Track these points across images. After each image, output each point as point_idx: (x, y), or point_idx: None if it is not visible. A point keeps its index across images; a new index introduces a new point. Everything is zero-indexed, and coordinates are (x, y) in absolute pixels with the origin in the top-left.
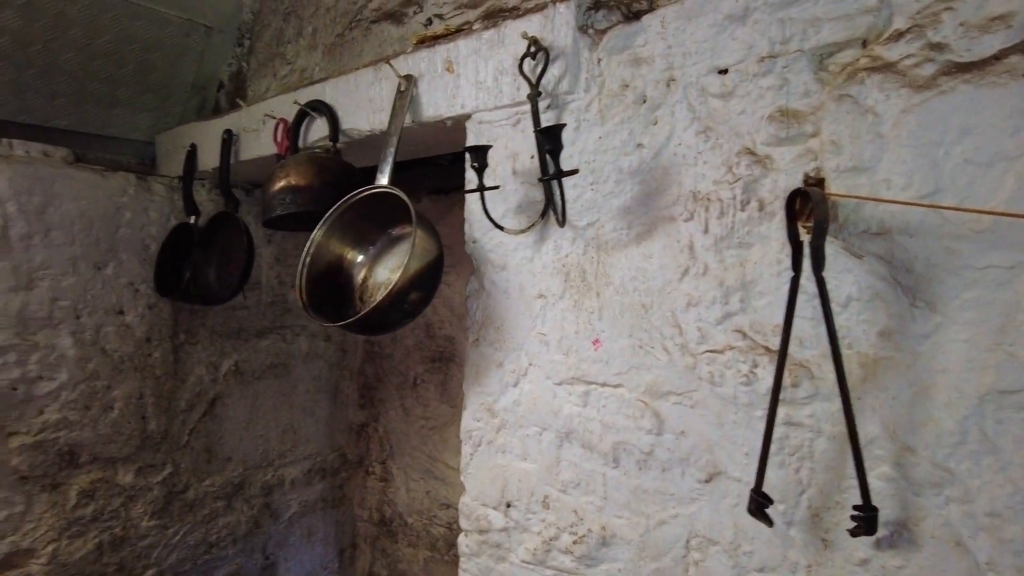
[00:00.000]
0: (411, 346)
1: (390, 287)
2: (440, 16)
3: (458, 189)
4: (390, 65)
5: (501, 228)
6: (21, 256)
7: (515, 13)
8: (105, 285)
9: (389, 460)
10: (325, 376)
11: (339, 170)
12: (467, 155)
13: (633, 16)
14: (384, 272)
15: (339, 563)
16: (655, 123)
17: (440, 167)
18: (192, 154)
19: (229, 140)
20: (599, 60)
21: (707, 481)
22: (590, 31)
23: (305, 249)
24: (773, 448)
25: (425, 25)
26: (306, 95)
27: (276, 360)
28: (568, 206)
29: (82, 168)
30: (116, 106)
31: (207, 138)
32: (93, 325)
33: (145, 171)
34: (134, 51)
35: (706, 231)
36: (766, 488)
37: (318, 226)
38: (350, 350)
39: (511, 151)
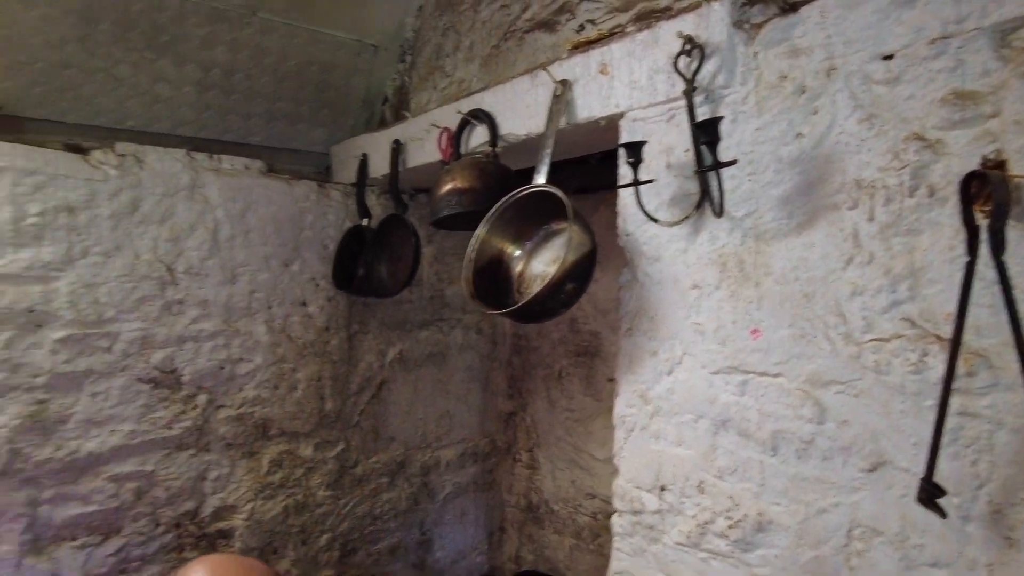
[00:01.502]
0: (556, 340)
1: (549, 278)
2: (592, 21)
3: (604, 188)
4: (546, 71)
5: (656, 220)
6: (227, 255)
7: (667, 14)
8: (291, 280)
9: (536, 449)
10: (477, 366)
11: (498, 173)
12: (622, 151)
13: (790, 8)
14: (540, 265)
15: (488, 545)
16: (815, 112)
17: (588, 166)
18: (364, 163)
19: (397, 149)
20: (755, 54)
21: (871, 471)
22: (745, 26)
23: (471, 245)
24: (946, 439)
25: (577, 31)
26: (467, 104)
27: (434, 350)
28: (725, 197)
29: (274, 178)
30: (299, 122)
31: (376, 148)
32: (282, 315)
33: (322, 179)
34: (314, 72)
35: (871, 219)
36: (938, 479)
37: (482, 223)
38: (499, 342)
39: (665, 145)
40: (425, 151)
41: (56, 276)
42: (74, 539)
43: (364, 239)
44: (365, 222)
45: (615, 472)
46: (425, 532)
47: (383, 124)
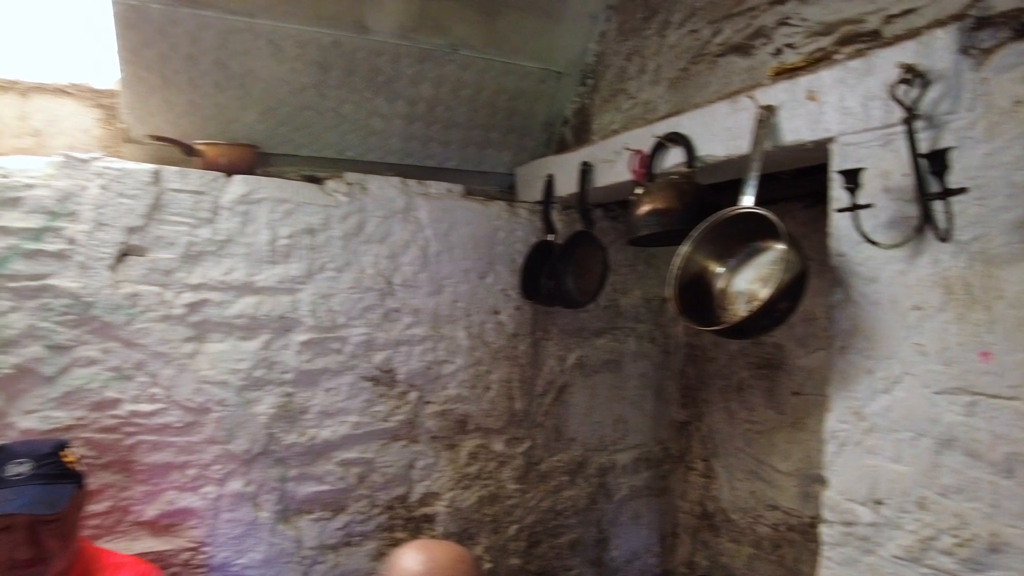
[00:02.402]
0: (735, 352)
1: (765, 297)
2: (791, 46)
3: (789, 200)
4: (750, 98)
5: (875, 244)
6: (435, 269)
7: (878, 38)
8: (486, 291)
9: (712, 458)
10: (651, 374)
11: (696, 193)
12: (838, 177)
13: None
14: (743, 283)
15: (660, 548)
16: None
17: (778, 181)
18: (549, 183)
19: (586, 170)
20: (984, 79)
21: None
22: (973, 51)
23: (675, 263)
24: None
25: (774, 55)
26: (662, 128)
27: (610, 357)
28: (953, 221)
29: (471, 199)
30: (488, 147)
31: (562, 168)
32: (478, 322)
33: (509, 199)
34: (504, 100)
35: None
36: None
37: (686, 241)
38: (672, 352)
39: (881, 170)
40: (615, 171)
41: (300, 288)
42: (311, 513)
43: (549, 253)
44: (551, 237)
45: (824, 484)
46: (602, 530)
47: (562, 144)
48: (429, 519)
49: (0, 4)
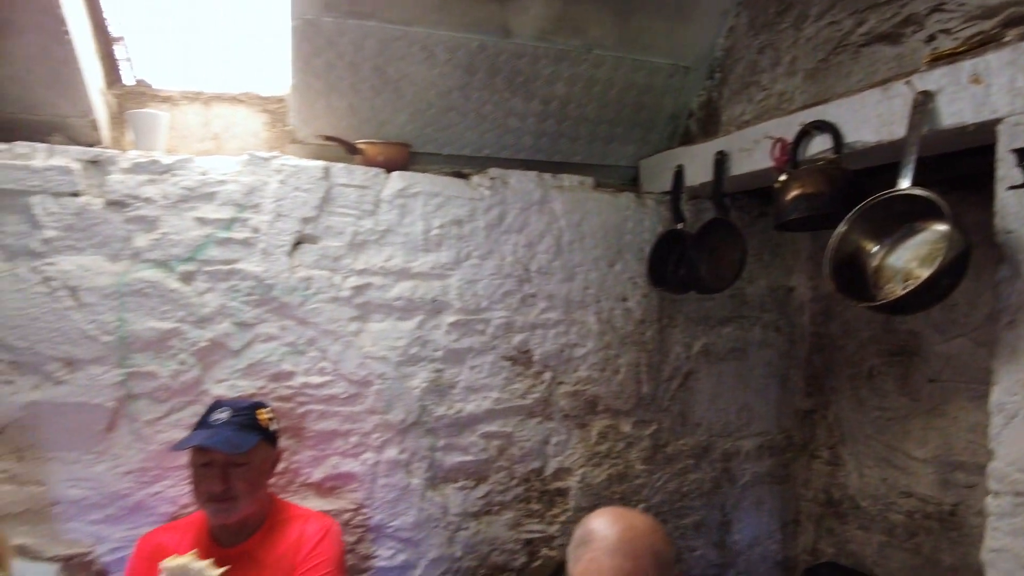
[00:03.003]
0: (866, 339)
1: (928, 274)
2: (946, 31)
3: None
4: (907, 84)
5: None
6: (568, 257)
7: None
8: (615, 278)
9: (839, 446)
10: (775, 363)
11: (844, 178)
12: (1009, 156)
13: None
14: (898, 261)
15: (782, 535)
16: None
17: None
18: (679, 173)
19: (721, 159)
20: None
21: None
22: None
23: (831, 243)
24: None
25: (926, 42)
26: (805, 116)
27: (735, 345)
28: None
29: (601, 191)
30: (613, 141)
31: (691, 159)
32: (607, 308)
33: (637, 191)
34: (631, 95)
35: None
36: None
37: (843, 222)
38: (798, 341)
39: None
40: (752, 160)
41: (449, 274)
42: (456, 481)
43: (677, 241)
44: (680, 226)
45: (990, 456)
46: (725, 514)
47: (687, 137)
48: (562, 493)
49: (186, 26)
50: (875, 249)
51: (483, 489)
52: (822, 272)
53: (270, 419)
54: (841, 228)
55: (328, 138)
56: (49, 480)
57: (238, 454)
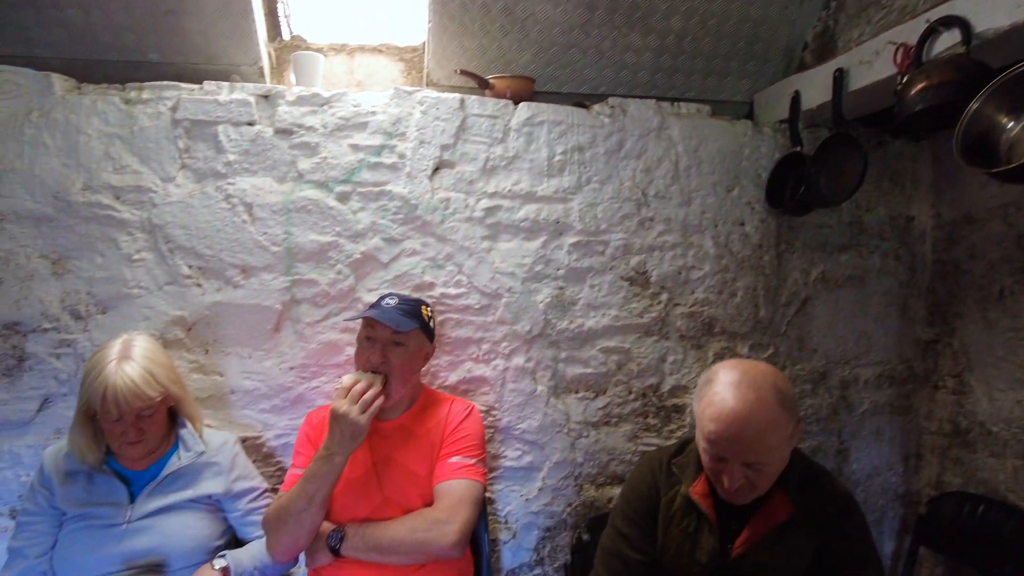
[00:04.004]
0: (996, 259)
1: None
2: None
3: None
4: None
5: None
6: (685, 182)
7: None
8: (732, 204)
9: (966, 373)
10: (895, 292)
11: (973, 66)
12: None
13: None
14: None
15: (904, 468)
16: None
17: None
18: (796, 98)
19: (840, 77)
20: None
21: None
22: None
23: (961, 121)
24: None
25: None
26: (931, 16)
27: (853, 273)
28: None
29: (718, 119)
30: (728, 75)
31: (808, 84)
32: (724, 232)
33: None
34: (747, 29)
35: None
36: None
37: (976, 97)
38: (919, 270)
39: None
40: (873, 71)
41: (571, 198)
42: (576, 392)
43: (796, 165)
44: (798, 149)
45: None
46: (842, 442)
47: (802, 68)
48: (679, 410)
49: None
50: (1011, 124)
51: (602, 401)
52: (952, 146)
53: (429, 316)
54: (974, 105)
55: (463, 72)
56: (227, 372)
57: (399, 332)
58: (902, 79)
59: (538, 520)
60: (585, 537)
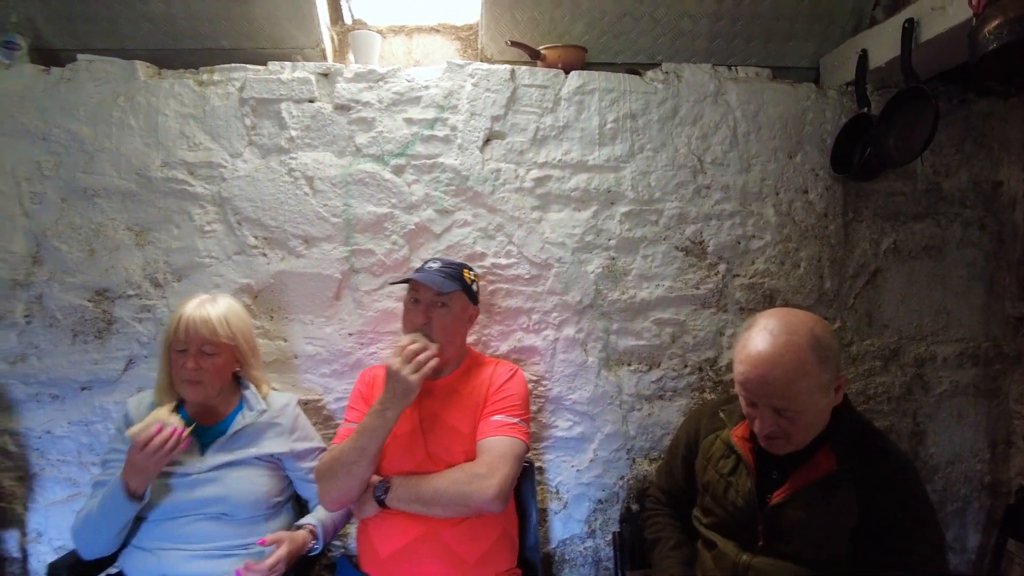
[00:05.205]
0: None
1: None
2: None
3: None
4: None
5: None
6: (743, 148)
7: None
8: (795, 170)
9: None
10: (980, 264)
11: None
12: None
13: None
14: None
15: (991, 455)
16: None
17: None
18: (863, 57)
19: (910, 27)
20: None
21: None
22: None
23: None
24: None
25: None
26: None
27: (930, 243)
28: None
29: (779, 82)
30: (792, 39)
31: (876, 40)
32: (787, 200)
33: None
34: None
35: None
36: None
37: None
38: (1008, 241)
39: None
40: (947, 17)
41: (623, 166)
42: (629, 364)
43: (864, 128)
44: (865, 110)
45: None
46: (918, 423)
47: (872, 26)
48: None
49: None
50: None
51: (656, 374)
52: None
53: (472, 280)
54: None
55: (514, 43)
56: (291, 337)
57: (441, 294)
58: (977, 21)
59: (589, 492)
60: (634, 507)
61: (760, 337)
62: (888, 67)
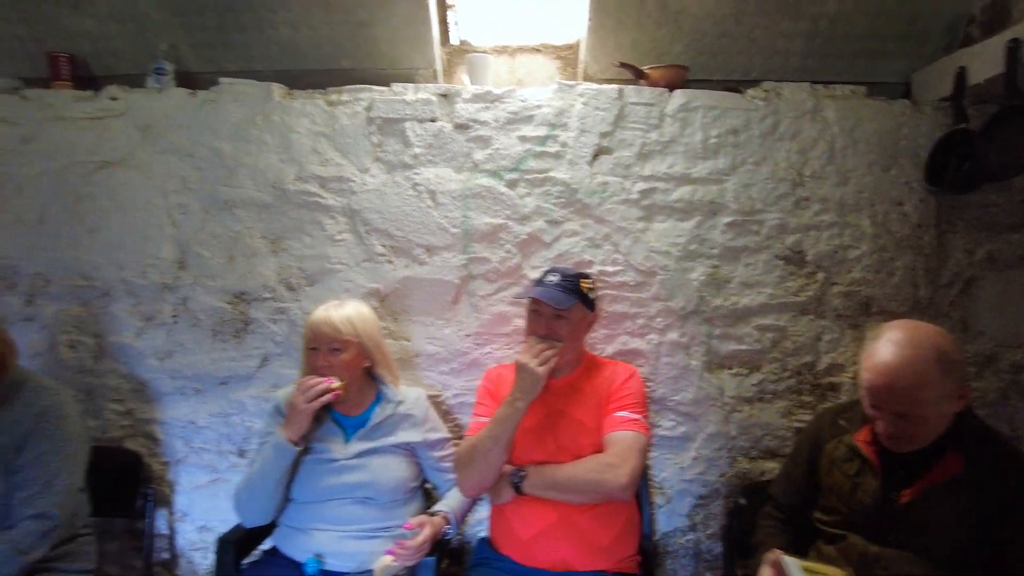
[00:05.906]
0: None
1: None
2: None
3: None
4: None
5: None
6: (840, 162)
7: None
8: (890, 183)
9: None
10: None
11: None
12: None
13: None
14: None
15: None
16: None
17: None
18: (961, 74)
19: (1015, 47)
20: None
21: None
22: None
23: None
24: None
25: None
26: None
27: None
28: None
29: (874, 99)
30: (882, 57)
31: (975, 58)
32: (882, 212)
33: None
34: (907, 7)
35: None
36: None
37: None
38: None
39: None
40: None
41: (725, 179)
42: (730, 368)
43: (960, 143)
44: (963, 125)
45: None
46: (1015, 428)
47: (967, 43)
48: (834, 388)
49: None
50: None
51: (756, 377)
52: None
53: (590, 288)
54: None
55: (622, 64)
56: (413, 337)
57: (559, 309)
58: None
59: (692, 488)
60: (742, 502)
61: (886, 348)
62: (987, 84)
